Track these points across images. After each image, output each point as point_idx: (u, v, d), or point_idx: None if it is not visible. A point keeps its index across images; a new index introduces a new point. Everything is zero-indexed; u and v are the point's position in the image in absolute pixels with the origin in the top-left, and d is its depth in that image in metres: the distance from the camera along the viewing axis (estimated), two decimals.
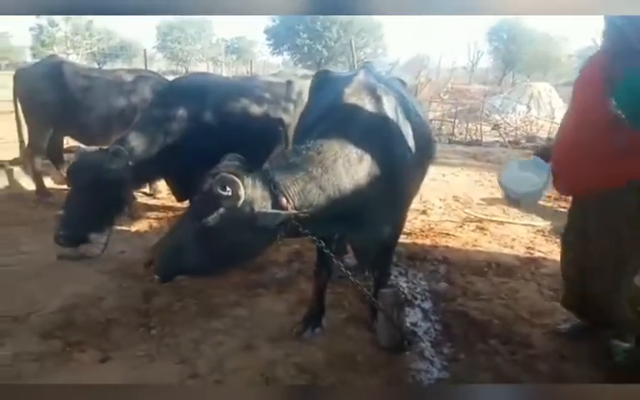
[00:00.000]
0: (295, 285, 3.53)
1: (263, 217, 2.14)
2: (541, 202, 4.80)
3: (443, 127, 13.16)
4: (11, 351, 2.62)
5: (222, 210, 2.08)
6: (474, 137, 11.90)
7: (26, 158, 5.45)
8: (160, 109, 3.76)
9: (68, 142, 6.06)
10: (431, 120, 11.80)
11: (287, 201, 2.17)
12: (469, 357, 2.70)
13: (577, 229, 2.63)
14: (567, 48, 36.56)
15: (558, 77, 32.54)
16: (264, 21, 36.01)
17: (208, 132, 3.67)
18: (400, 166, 2.53)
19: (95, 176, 3.27)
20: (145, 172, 3.66)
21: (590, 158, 2.37)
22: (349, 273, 2.52)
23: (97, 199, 3.29)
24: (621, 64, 2.21)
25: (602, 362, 2.65)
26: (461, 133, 12.18)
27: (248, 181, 2.14)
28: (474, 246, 4.53)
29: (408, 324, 3.01)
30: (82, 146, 3.42)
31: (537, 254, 4.33)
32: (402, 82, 3.59)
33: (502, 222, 5.21)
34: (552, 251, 4.34)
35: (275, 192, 2.16)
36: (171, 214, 5.04)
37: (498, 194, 5.04)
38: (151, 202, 5.53)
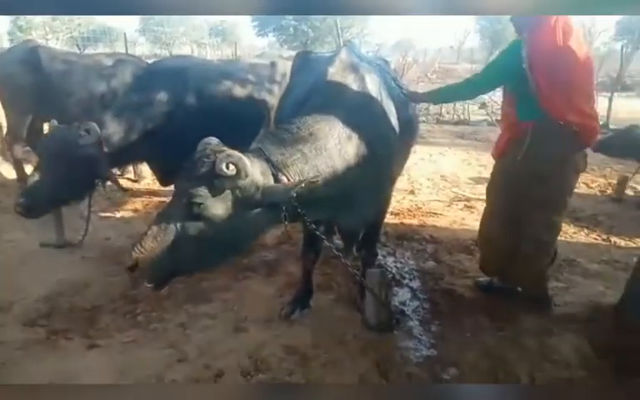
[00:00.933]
0: (283, 267, 3.53)
1: (271, 192, 2.02)
2: None
3: (431, 106, 13.11)
4: None
5: (227, 192, 1.94)
6: (462, 117, 11.90)
7: (5, 146, 5.32)
8: (138, 93, 3.67)
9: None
10: None
11: (288, 180, 2.11)
12: (457, 335, 2.73)
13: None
14: None
15: None
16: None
17: (190, 116, 3.60)
18: (385, 144, 2.51)
19: (62, 149, 3.19)
20: (123, 155, 3.57)
21: None
22: (340, 255, 2.50)
23: (63, 173, 3.18)
24: None
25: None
26: (448, 113, 12.17)
27: (247, 159, 2.01)
28: (462, 225, 4.56)
29: (397, 303, 3.03)
30: (56, 122, 3.32)
31: None
32: (386, 61, 3.56)
33: None
34: None
35: (274, 171, 2.09)
36: (156, 199, 4.99)
37: (486, 173, 5.06)
38: (135, 186, 5.47)
